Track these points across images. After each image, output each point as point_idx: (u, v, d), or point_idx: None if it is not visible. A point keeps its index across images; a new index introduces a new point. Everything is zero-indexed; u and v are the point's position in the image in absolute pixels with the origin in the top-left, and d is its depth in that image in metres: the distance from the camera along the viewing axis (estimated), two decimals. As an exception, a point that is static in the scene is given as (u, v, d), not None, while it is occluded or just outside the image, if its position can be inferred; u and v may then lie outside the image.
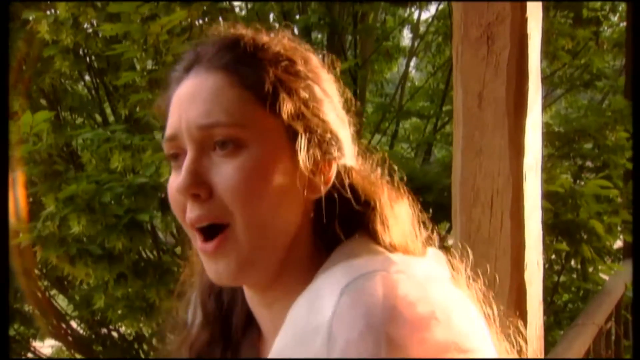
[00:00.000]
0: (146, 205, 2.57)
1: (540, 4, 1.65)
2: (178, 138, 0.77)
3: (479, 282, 0.83)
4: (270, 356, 0.71)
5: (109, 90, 3.44)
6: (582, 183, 3.59)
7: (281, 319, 0.75)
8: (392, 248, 0.78)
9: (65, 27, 2.68)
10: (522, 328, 0.86)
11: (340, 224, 0.78)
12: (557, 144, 4.25)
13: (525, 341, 0.89)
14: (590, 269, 3.79)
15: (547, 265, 4.31)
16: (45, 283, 4.57)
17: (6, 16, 2.28)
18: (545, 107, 5.90)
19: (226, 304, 0.88)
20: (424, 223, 0.84)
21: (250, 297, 0.82)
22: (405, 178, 0.86)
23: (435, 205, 2.81)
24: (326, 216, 0.77)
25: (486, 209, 1.64)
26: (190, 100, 0.76)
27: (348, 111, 0.84)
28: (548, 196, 3.24)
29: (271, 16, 4.36)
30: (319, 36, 4.75)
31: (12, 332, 4.77)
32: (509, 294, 1.57)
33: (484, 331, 0.71)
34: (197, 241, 0.76)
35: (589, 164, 4.38)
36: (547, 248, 3.35)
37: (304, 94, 0.78)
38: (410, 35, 7.04)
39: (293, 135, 0.76)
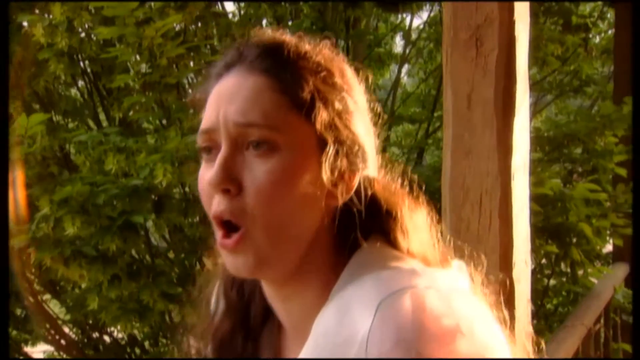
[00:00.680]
0: (140, 207, 2.59)
1: (527, 6, 1.68)
2: (213, 132, 0.79)
3: (491, 288, 0.88)
4: None
5: (102, 94, 3.46)
6: (572, 186, 3.62)
7: (297, 314, 0.82)
8: (411, 255, 0.81)
9: (60, 30, 2.70)
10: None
11: (360, 231, 0.81)
12: (547, 148, 4.30)
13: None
14: (580, 272, 3.83)
15: (537, 269, 4.35)
16: (38, 287, 4.57)
17: (6, 16, 2.29)
18: (536, 112, 5.96)
19: (247, 295, 0.92)
20: (441, 232, 0.88)
21: (267, 290, 0.86)
22: (424, 187, 0.90)
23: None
24: (346, 223, 0.80)
25: (475, 208, 1.67)
26: (229, 97, 0.79)
27: (375, 124, 0.87)
28: (538, 199, 3.29)
29: (264, 22, 4.39)
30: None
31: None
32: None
33: (503, 341, 0.75)
34: (218, 234, 0.79)
35: (578, 168, 4.42)
36: (537, 251, 3.39)
37: (338, 106, 0.81)
38: (402, 42, 7.10)
39: (323, 145, 0.79)
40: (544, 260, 4.07)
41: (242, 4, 4.20)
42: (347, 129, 0.81)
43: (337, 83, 0.82)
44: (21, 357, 5.19)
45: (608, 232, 3.80)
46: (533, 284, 4.00)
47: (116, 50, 2.60)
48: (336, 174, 0.79)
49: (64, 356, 4.83)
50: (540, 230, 3.39)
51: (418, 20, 6.16)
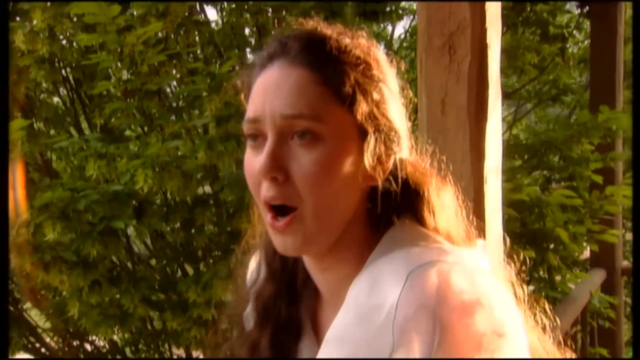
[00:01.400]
0: (121, 213, 2.60)
1: (499, 14, 1.73)
2: (259, 121, 0.85)
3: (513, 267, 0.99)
4: (331, 330, 0.82)
5: (84, 102, 3.46)
6: (549, 193, 3.68)
7: (333, 283, 0.90)
8: (437, 232, 0.88)
9: (41, 37, 2.72)
10: None
11: (392, 208, 0.88)
12: (526, 155, 4.36)
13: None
14: (558, 277, 3.88)
15: (514, 275, 4.40)
16: (18, 295, 4.53)
17: (6, 16, 2.30)
18: (516, 120, 6.04)
19: (291, 263, 1.00)
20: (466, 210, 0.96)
21: (307, 261, 0.93)
22: (452, 167, 0.99)
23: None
24: (380, 202, 0.87)
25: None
26: (275, 89, 0.84)
27: (406, 107, 0.94)
28: (515, 205, 3.34)
29: (246, 30, 4.42)
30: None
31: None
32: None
33: (518, 318, 0.81)
34: (267, 216, 0.86)
35: (556, 175, 4.48)
36: (514, 256, 3.41)
37: (376, 96, 0.87)
38: (383, 51, 7.14)
39: (363, 134, 0.85)
40: (524, 266, 4.12)
41: (224, 13, 4.22)
42: (384, 117, 0.87)
43: (374, 75, 0.88)
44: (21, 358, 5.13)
45: (585, 238, 3.85)
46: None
47: (97, 57, 2.62)
48: (375, 158, 0.86)
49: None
50: (518, 236, 3.44)
51: (400, 29, 6.22)
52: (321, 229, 0.85)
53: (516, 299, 0.93)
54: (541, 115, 6.38)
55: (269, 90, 0.85)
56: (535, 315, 1.00)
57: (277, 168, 0.83)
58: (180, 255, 3.35)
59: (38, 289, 3.69)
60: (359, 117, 0.85)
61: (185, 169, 2.63)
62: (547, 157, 4.46)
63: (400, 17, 4.28)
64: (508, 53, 4.45)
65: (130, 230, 3.33)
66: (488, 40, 1.68)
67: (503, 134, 5.52)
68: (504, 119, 6.10)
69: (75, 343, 4.41)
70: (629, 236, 6.65)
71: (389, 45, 6.66)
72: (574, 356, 1.07)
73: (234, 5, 3.92)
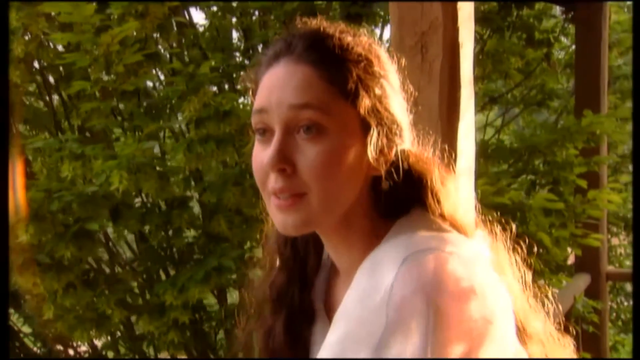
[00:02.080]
0: (96, 215, 2.57)
1: (472, 13, 1.72)
2: (267, 112, 0.90)
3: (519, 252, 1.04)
4: (338, 310, 0.86)
5: (65, 103, 3.43)
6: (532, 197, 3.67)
7: (345, 261, 0.96)
8: (443, 218, 0.93)
9: (16, 36, 2.69)
10: None
11: (397, 196, 0.93)
12: (510, 160, 4.36)
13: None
14: (541, 282, 3.87)
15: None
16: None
17: (6, 16, 2.27)
18: (503, 125, 6.03)
19: (302, 251, 1.06)
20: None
21: (321, 236, 0.98)
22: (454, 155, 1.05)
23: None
24: (385, 191, 0.93)
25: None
26: (282, 84, 0.89)
27: (407, 100, 0.99)
28: (497, 208, 3.32)
29: (234, 33, 4.40)
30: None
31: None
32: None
33: (508, 309, 0.86)
34: (272, 200, 0.91)
35: (542, 180, 4.47)
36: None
37: (378, 92, 0.92)
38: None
39: (366, 128, 0.90)
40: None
41: (210, 15, 4.20)
42: (387, 111, 0.92)
43: (376, 71, 0.92)
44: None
45: (569, 242, 3.84)
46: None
47: (72, 57, 2.59)
48: (378, 150, 0.90)
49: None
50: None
51: (388, 33, 6.22)
52: (323, 212, 0.90)
53: (522, 285, 1.01)
54: (529, 120, 6.39)
55: (276, 85, 0.90)
56: (539, 301, 1.07)
57: (285, 160, 0.88)
58: (163, 258, 3.32)
59: (21, 293, 3.65)
60: (362, 111, 0.89)
61: (163, 171, 2.60)
62: (532, 162, 4.46)
63: (386, 21, 4.27)
64: (493, 57, 4.46)
65: (111, 232, 3.30)
66: (460, 40, 1.67)
67: (490, 138, 5.53)
68: (491, 124, 6.10)
69: (58, 348, 4.36)
70: (615, 241, 6.67)
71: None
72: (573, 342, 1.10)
73: (215, 8, 3.91)
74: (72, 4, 2.36)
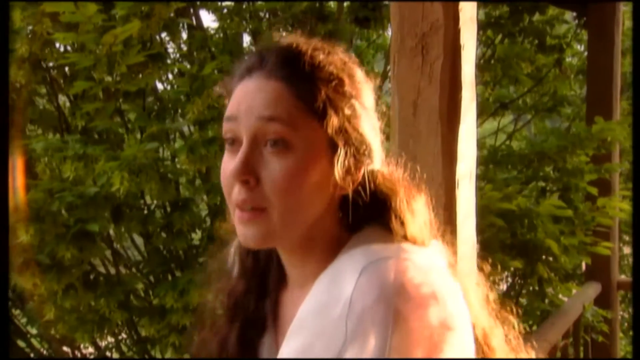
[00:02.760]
0: (97, 215, 2.56)
1: (474, 14, 1.69)
2: (235, 120, 0.90)
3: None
4: (293, 322, 0.86)
5: (73, 103, 3.43)
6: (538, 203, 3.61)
7: (302, 279, 0.95)
8: (404, 239, 0.92)
9: (20, 36, 2.69)
10: None
11: (362, 217, 0.93)
12: (519, 166, 4.31)
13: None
14: (549, 289, 3.81)
15: (505, 288, 4.34)
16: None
17: (6, 16, 2.27)
18: (515, 131, 5.98)
19: (263, 262, 1.05)
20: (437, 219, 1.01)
21: (281, 255, 0.99)
22: (423, 171, 1.06)
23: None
24: (353, 208, 0.92)
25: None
26: (252, 95, 0.90)
27: (380, 119, 0.98)
28: (504, 215, 3.28)
29: (244, 36, 4.40)
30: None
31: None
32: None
33: (466, 315, 0.87)
34: (235, 212, 0.91)
35: (553, 187, 4.42)
36: (504, 267, 3.38)
37: (348, 111, 0.91)
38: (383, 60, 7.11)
39: (334, 147, 0.90)
40: (518, 279, 4.07)
41: (218, 16, 4.20)
42: (356, 131, 0.92)
43: (347, 91, 0.92)
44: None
45: (578, 250, 3.78)
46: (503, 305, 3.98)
47: (74, 57, 2.58)
48: (344, 170, 0.90)
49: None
50: (508, 247, 3.39)
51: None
52: (284, 228, 0.90)
53: (486, 301, 1.01)
54: (540, 127, 6.34)
55: (246, 96, 0.90)
56: (503, 316, 1.04)
57: (249, 172, 0.88)
58: (169, 261, 3.30)
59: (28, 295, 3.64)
60: (329, 130, 0.89)
61: (165, 172, 2.58)
62: (542, 169, 4.41)
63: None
64: (503, 62, 4.41)
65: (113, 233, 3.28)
66: (462, 41, 1.64)
67: (500, 145, 5.48)
68: (502, 129, 6.05)
69: (64, 349, 4.35)
70: (627, 250, 6.57)
71: (387, 53, 6.64)
72: (535, 354, 1.07)
73: (225, 10, 3.90)
74: (74, 3, 2.35)
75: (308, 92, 0.89)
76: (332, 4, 4.30)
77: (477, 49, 4.90)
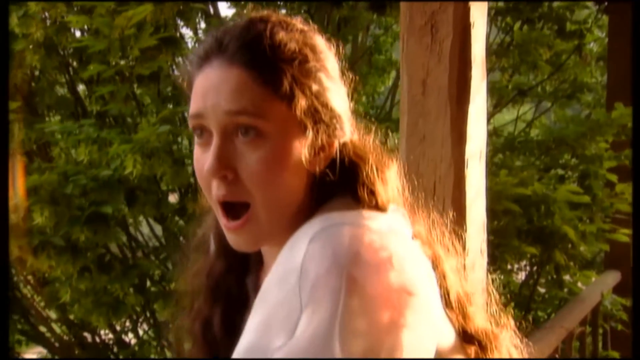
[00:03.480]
0: (111, 198, 2.58)
1: (484, -8, 1.66)
2: (203, 117, 0.87)
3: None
4: (258, 295, 0.82)
5: (87, 86, 3.45)
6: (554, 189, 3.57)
7: (277, 252, 0.87)
8: (375, 208, 0.89)
9: (35, 20, 2.71)
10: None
11: (333, 186, 0.90)
12: (536, 152, 4.27)
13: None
14: (566, 277, 3.77)
15: (523, 277, 4.31)
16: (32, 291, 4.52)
17: (6, 16, 2.29)
18: (535, 119, 5.92)
19: None
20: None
21: None
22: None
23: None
24: (323, 184, 0.90)
25: (428, 195, 1.65)
26: (216, 87, 0.86)
27: (346, 83, 0.94)
28: (521, 201, 3.25)
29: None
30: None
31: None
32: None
33: (429, 280, 0.84)
34: (220, 215, 0.89)
35: (572, 174, 4.37)
36: (519, 253, 3.35)
37: (315, 87, 0.88)
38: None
39: (305, 127, 0.87)
40: (535, 268, 4.04)
41: (234, 4, 4.20)
42: (325, 107, 0.89)
43: (311, 66, 0.88)
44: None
45: (596, 237, 3.74)
46: (520, 292, 3.93)
47: (88, 40, 2.60)
48: (317, 148, 0.88)
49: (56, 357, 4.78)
50: (524, 233, 3.36)
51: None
52: (273, 223, 0.88)
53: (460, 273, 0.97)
54: (560, 115, 6.27)
55: (210, 88, 0.87)
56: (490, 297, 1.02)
57: (225, 167, 0.86)
58: (184, 246, 3.32)
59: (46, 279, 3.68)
60: (298, 112, 0.87)
61: (179, 156, 2.60)
62: (561, 156, 4.36)
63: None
64: (520, 48, 4.36)
65: (140, 218, 3.31)
66: (471, 19, 1.62)
67: (520, 132, 5.42)
68: (521, 117, 5.99)
69: (83, 334, 4.40)
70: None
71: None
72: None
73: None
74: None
75: (273, 76, 0.86)
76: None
77: (495, 36, 4.87)
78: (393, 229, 0.85)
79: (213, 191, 0.88)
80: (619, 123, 3.88)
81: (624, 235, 3.65)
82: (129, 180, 2.59)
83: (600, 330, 4.00)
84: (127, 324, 4.09)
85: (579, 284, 4.04)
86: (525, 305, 3.95)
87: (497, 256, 3.25)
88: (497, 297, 1.03)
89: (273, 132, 0.85)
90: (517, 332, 1.03)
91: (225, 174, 0.86)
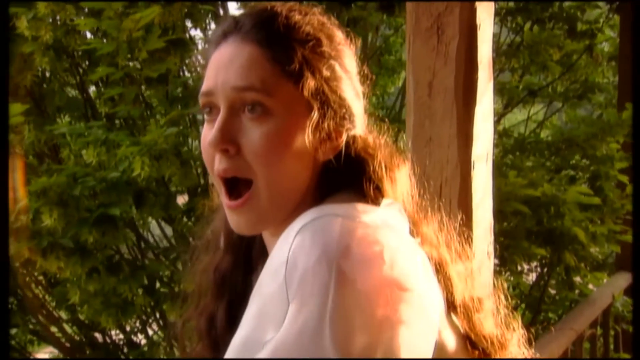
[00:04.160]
0: (119, 200, 2.59)
1: (491, -5, 1.66)
2: (213, 94, 0.88)
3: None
4: (254, 288, 0.81)
5: (97, 88, 3.47)
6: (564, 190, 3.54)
7: (274, 239, 0.86)
8: (378, 204, 0.87)
9: (44, 22, 2.72)
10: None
11: (339, 181, 0.90)
12: (546, 153, 4.24)
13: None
14: (577, 278, 3.75)
15: (534, 278, 4.29)
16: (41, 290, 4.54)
17: (6, 16, 2.31)
18: (545, 119, 5.89)
19: (248, 236, 1.00)
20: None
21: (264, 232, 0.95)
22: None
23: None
24: (329, 176, 0.90)
25: (435, 197, 1.64)
26: (227, 63, 0.87)
27: (363, 84, 0.95)
28: (529, 202, 3.23)
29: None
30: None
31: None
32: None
33: (424, 275, 0.82)
34: (222, 194, 0.89)
35: (583, 175, 4.35)
36: (528, 255, 3.33)
37: (326, 73, 0.88)
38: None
39: (311, 109, 0.87)
40: (546, 269, 4.02)
41: (244, 6, 4.20)
42: (334, 94, 0.89)
43: (325, 52, 0.88)
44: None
45: (606, 238, 3.71)
46: (531, 293, 3.90)
47: (95, 42, 2.61)
48: (323, 134, 0.87)
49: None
50: (534, 234, 3.34)
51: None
52: (274, 205, 0.87)
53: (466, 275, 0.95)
54: (572, 115, 6.23)
55: (221, 65, 0.88)
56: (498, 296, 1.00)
57: (228, 140, 0.85)
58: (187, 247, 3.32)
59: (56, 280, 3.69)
60: (305, 93, 0.86)
61: (187, 158, 2.60)
62: (571, 156, 4.33)
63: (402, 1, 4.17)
64: (530, 48, 4.34)
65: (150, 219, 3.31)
66: (478, 21, 1.61)
67: (530, 133, 5.39)
68: (532, 118, 5.95)
69: (92, 335, 4.41)
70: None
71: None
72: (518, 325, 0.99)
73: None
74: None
75: (283, 54, 0.86)
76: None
77: (505, 36, 4.85)
78: (387, 223, 0.83)
79: (215, 165, 0.88)
80: (629, 123, 3.85)
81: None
82: (137, 182, 2.60)
83: (612, 332, 3.97)
84: (137, 324, 4.11)
85: (590, 286, 4.02)
86: (536, 307, 3.94)
87: (507, 258, 3.25)
88: (505, 300, 1.01)
89: (279, 109, 0.85)
90: (526, 335, 1.01)
91: (227, 148, 0.85)
